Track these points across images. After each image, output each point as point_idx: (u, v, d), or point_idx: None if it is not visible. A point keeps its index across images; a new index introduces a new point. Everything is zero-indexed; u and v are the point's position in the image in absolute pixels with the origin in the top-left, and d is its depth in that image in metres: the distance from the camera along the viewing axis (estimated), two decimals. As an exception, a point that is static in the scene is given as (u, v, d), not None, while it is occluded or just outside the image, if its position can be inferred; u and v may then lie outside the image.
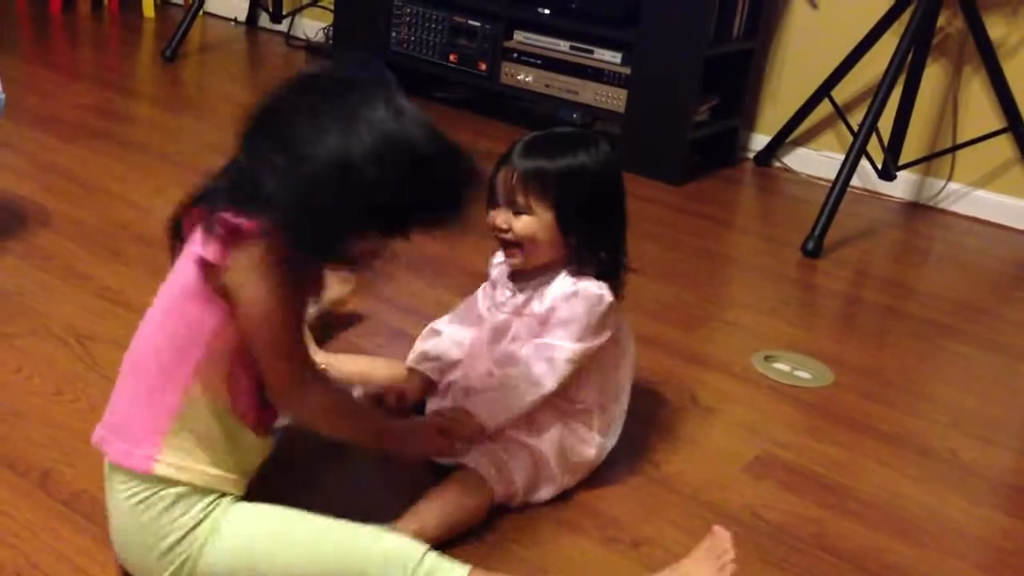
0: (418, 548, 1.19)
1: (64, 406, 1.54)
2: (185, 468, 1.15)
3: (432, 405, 1.56)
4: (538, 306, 1.45)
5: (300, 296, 1.17)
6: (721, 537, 1.25)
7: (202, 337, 1.13)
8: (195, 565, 1.15)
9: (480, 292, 1.59)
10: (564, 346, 1.41)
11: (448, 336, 1.58)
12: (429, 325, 1.62)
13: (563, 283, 1.43)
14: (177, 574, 1.16)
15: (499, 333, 1.50)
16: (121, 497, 1.16)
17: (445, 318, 1.62)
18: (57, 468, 1.39)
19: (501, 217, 1.43)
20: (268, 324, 1.13)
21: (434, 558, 1.19)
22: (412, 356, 1.60)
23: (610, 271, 1.44)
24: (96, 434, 1.20)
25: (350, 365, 1.63)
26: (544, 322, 1.44)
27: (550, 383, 1.40)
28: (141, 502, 1.15)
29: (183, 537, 1.15)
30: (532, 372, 1.40)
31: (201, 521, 1.15)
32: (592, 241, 1.43)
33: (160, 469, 1.14)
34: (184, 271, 1.14)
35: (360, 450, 1.51)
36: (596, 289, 1.41)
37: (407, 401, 1.55)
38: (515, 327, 1.49)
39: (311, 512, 1.19)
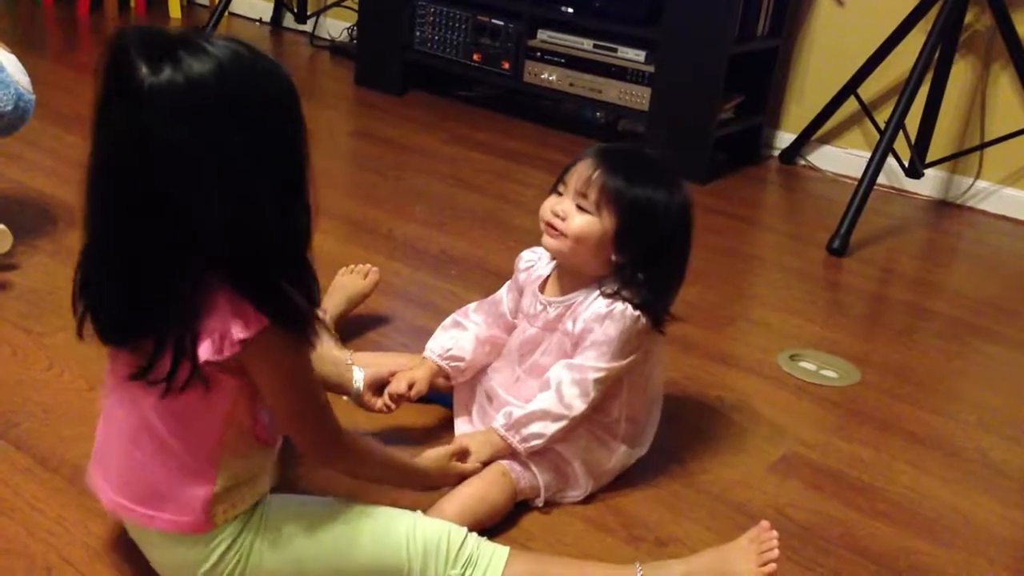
0: (459, 531, 1.20)
1: (95, 403, 1.55)
2: (236, 508, 1.14)
3: (461, 422, 1.56)
4: (571, 325, 1.42)
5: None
6: (767, 533, 1.25)
7: (220, 416, 1.09)
8: (243, 571, 1.15)
9: (504, 291, 1.57)
10: (595, 366, 1.38)
11: (471, 332, 1.55)
12: (453, 315, 1.59)
13: (597, 304, 1.40)
14: None
15: (530, 346, 1.49)
16: (158, 539, 1.15)
17: (471, 307, 1.59)
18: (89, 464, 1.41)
19: (562, 205, 1.40)
20: (294, 394, 1.11)
21: (475, 540, 1.20)
22: (431, 345, 1.56)
23: (651, 308, 1.39)
24: (108, 499, 1.15)
25: (374, 361, 1.63)
26: (577, 343, 1.42)
27: (581, 406, 1.39)
28: (183, 539, 1.14)
29: (227, 550, 1.14)
30: (563, 395, 1.39)
31: (242, 531, 1.15)
32: (641, 273, 1.39)
33: (219, 521, 1.13)
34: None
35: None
36: (630, 310, 1.37)
37: (416, 389, 1.50)
38: (546, 342, 1.47)
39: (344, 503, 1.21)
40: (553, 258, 1.47)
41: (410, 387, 1.50)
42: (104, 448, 1.16)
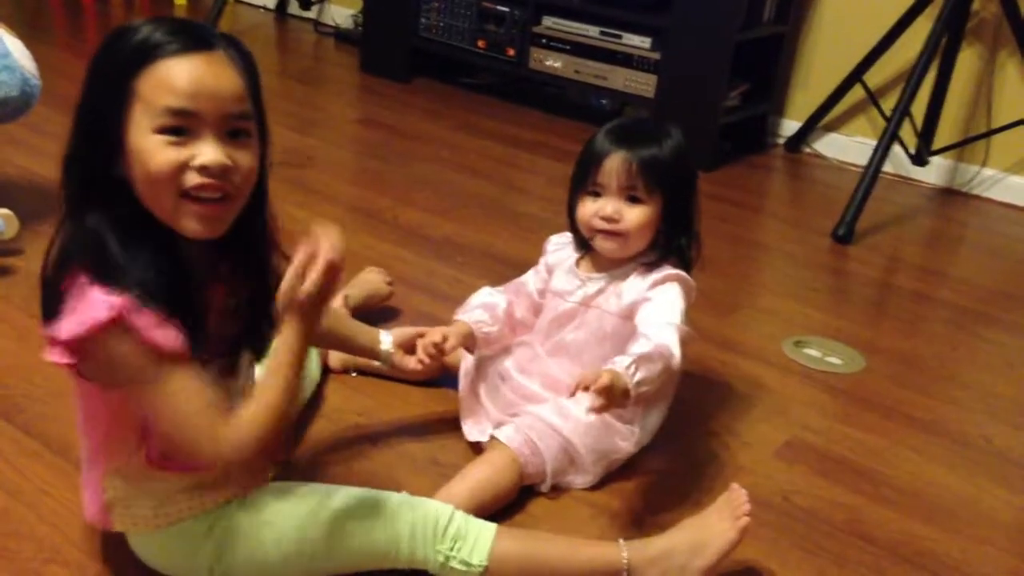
0: (445, 508, 1.21)
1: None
2: (136, 520, 1.13)
3: (467, 402, 1.53)
4: (615, 301, 1.42)
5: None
6: (738, 492, 1.28)
7: (104, 415, 1.10)
8: (231, 562, 1.14)
9: (531, 274, 1.57)
10: (672, 322, 1.33)
11: (503, 303, 1.53)
12: (484, 288, 1.57)
13: (644, 277, 1.41)
14: (214, 571, 1.15)
15: (560, 322, 1.48)
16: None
17: (499, 288, 1.57)
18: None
19: (612, 206, 1.40)
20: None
21: (462, 517, 1.21)
22: (462, 309, 1.53)
23: (687, 259, 1.43)
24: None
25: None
26: (628, 316, 1.40)
27: (679, 356, 1.30)
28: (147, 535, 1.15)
29: (202, 544, 1.14)
30: (662, 344, 1.29)
31: (214, 525, 1.14)
32: (678, 229, 1.42)
33: (118, 526, 1.14)
34: None
35: (388, 436, 1.52)
36: (684, 273, 1.41)
37: (450, 343, 1.44)
38: (580, 317, 1.46)
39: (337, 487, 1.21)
40: (615, 256, 1.45)
41: (444, 339, 1.43)
42: None
